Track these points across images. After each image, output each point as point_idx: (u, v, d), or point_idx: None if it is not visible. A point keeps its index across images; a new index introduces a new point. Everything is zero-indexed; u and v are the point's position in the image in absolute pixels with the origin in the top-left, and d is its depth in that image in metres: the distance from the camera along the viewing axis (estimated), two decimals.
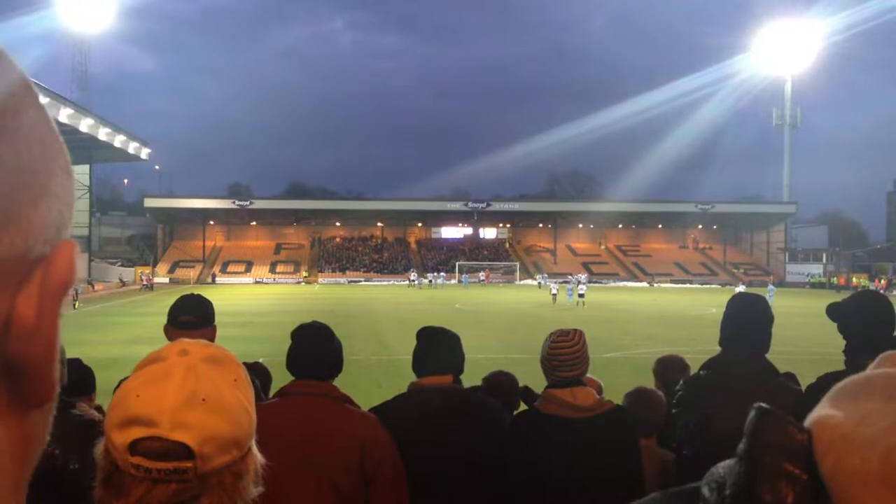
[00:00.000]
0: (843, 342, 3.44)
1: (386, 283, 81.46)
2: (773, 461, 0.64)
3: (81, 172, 70.49)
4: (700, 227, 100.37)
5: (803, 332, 24.46)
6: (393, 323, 31.26)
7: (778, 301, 45.18)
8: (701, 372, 3.70)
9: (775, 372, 3.55)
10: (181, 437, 0.98)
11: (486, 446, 3.40)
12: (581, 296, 46.85)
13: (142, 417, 0.99)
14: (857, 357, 3.29)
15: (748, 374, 3.48)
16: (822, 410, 0.66)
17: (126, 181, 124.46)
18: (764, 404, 0.66)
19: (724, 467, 0.71)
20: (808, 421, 0.66)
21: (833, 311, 3.45)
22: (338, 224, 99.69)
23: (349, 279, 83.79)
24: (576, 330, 3.49)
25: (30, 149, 0.43)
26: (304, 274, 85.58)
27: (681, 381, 3.82)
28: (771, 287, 50.46)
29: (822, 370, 3.45)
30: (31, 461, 0.48)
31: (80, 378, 3.75)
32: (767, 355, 3.60)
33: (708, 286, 77.98)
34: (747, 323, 3.59)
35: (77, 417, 2.85)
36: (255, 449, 1.08)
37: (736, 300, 3.70)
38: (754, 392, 3.40)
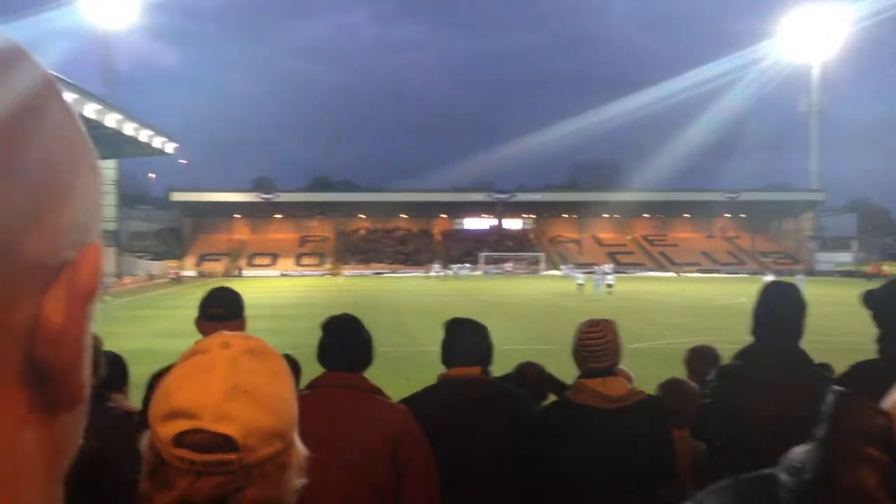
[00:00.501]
0: (875, 331, 3.39)
1: (411, 274, 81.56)
2: (854, 445, 0.62)
3: (108, 167, 71.26)
4: (727, 215, 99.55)
5: (833, 321, 24.19)
6: (418, 315, 31.29)
7: (807, 290, 44.66)
8: (734, 362, 3.66)
9: (810, 361, 3.51)
10: (225, 430, 0.98)
11: (514, 437, 3.39)
12: (610, 286, 46.65)
13: (185, 410, 1.00)
14: (890, 346, 3.25)
15: (782, 364, 3.44)
16: None
17: (152, 175, 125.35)
18: (842, 388, 0.64)
19: (801, 452, 0.69)
20: (888, 403, 0.65)
21: (868, 299, 3.40)
22: (362, 216, 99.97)
23: (374, 271, 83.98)
24: (606, 320, 3.47)
25: (54, 149, 0.43)
26: (329, 266, 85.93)
27: (712, 371, 3.79)
28: (801, 277, 49.80)
29: (852, 360, 3.41)
30: (62, 464, 0.48)
31: (113, 373, 3.78)
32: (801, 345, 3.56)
33: (736, 275, 77.32)
34: (781, 311, 3.55)
35: (112, 410, 2.87)
36: (298, 441, 1.08)
37: (769, 288, 3.66)
38: (788, 382, 3.37)
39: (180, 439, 1.00)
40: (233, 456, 0.99)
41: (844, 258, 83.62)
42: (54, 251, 0.43)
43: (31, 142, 0.41)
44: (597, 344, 3.38)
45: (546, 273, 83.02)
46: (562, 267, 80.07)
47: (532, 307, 36.75)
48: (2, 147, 0.39)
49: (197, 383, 1.02)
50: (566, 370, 3.53)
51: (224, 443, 0.99)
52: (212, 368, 1.03)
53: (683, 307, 36.24)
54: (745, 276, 74.92)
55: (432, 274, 74.97)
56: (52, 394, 0.44)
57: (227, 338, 1.09)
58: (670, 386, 4.32)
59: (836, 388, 0.66)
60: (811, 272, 67.01)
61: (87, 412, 0.49)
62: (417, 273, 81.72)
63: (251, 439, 1.00)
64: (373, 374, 3.23)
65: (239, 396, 1.00)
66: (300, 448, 1.08)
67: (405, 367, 16.45)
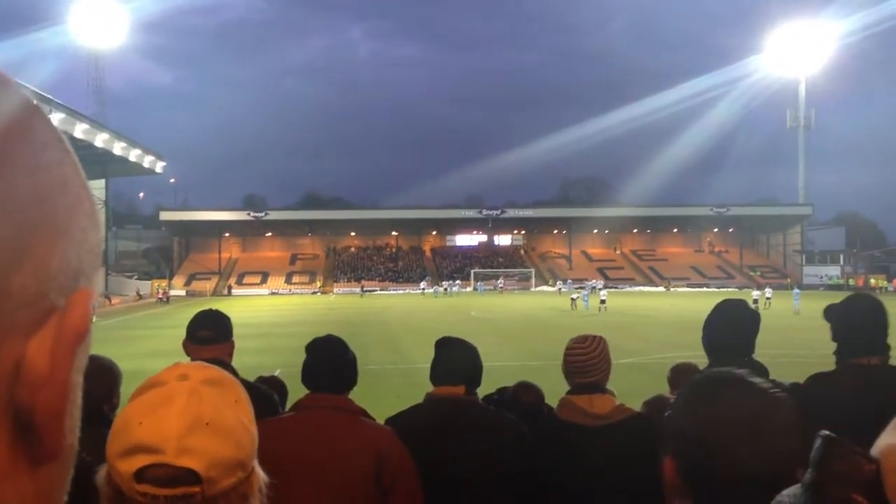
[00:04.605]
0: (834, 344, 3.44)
1: (401, 291, 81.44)
2: (841, 491, 0.62)
3: (97, 187, 71.09)
4: (715, 230, 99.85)
5: (818, 335, 24.22)
6: (409, 332, 31.25)
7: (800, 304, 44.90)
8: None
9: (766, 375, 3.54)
10: (188, 463, 0.98)
11: (496, 457, 3.37)
12: (602, 302, 46.65)
13: (147, 445, 0.99)
14: (845, 359, 3.31)
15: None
16: (891, 438, 0.64)
17: (141, 195, 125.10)
18: (831, 433, 0.64)
19: (788, 496, 0.69)
20: (875, 449, 0.64)
21: (828, 314, 3.44)
22: (352, 234, 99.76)
23: (365, 288, 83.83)
24: (595, 336, 3.47)
25: (50, 186, 0.42)
26: (319, 284, 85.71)
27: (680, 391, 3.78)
28: (796, 291, 50.06)
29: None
30: None
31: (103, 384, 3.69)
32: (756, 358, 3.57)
33: (725, 289, 77.38)
34: (732, 330, 3.54)
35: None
36: (258, 468, 1.09)
37: (720, 307, 3.65)
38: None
39: (142, 474, 0.99)
40: (196, 489, 0.99)
41: (832, 272, 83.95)
42: (41, 293, 0.41)
43: (26, 175, 0.40)
44: (581, 359, 3.37)
45: (537, 289, 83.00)
46: (557, 283, 79.91)
47: (523, 323, 36.74)
48: None
49: (157, 417, 1.00)
50: (557, 386, 3.52)
51: (187, 476, 0.98)
52: (171, 401, 1.02)
53: (675, 322, 36.23)
54: (734, 289, 74.96)
55: (418, 291, 74.89)
56: (33, 443, 0.43)
57: (184, 369, 1.08)
58: (656, 403, 4.32)
59: (825, 433, 0.67)
60: (798, 286, 67.01)
61: (72, 465, 0.47)
62: (408, 290, 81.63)
63: (214, 471, 0.99)
64: (362, 391, 3.23)
65: (201, 429, 1.00)
66: (260, 474, 1.08)
67: (396, 384, 16.43)
